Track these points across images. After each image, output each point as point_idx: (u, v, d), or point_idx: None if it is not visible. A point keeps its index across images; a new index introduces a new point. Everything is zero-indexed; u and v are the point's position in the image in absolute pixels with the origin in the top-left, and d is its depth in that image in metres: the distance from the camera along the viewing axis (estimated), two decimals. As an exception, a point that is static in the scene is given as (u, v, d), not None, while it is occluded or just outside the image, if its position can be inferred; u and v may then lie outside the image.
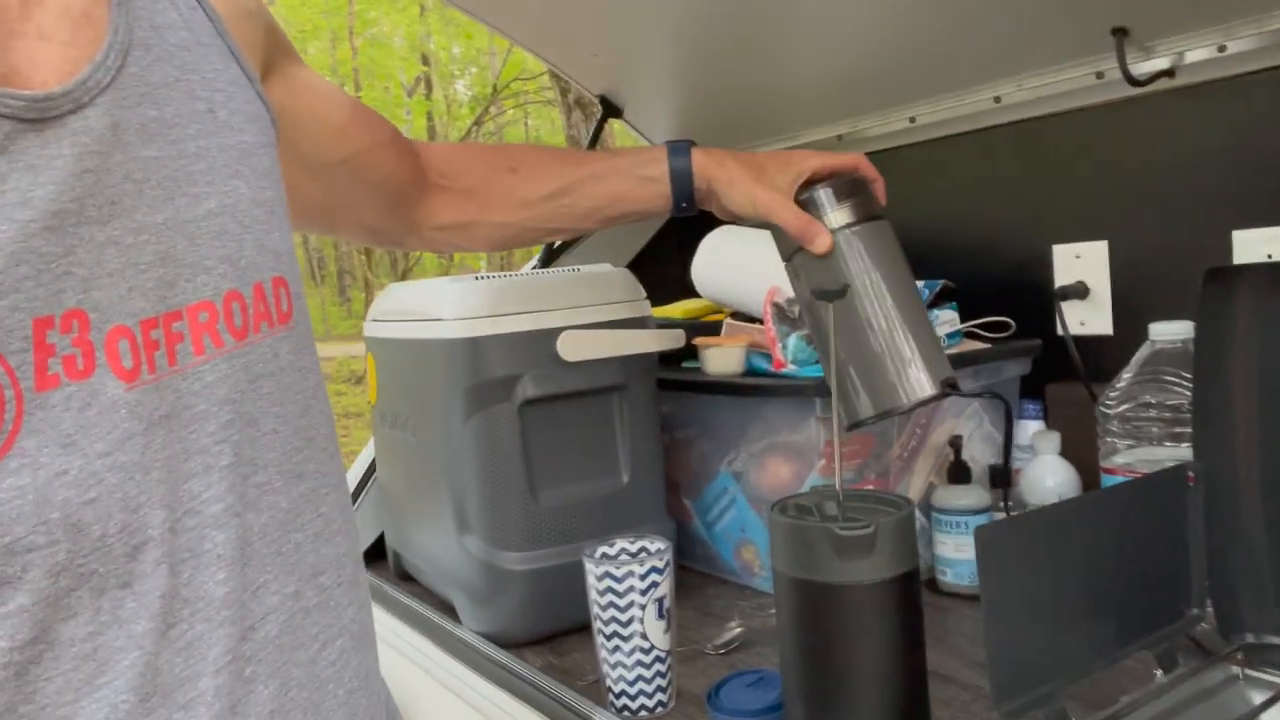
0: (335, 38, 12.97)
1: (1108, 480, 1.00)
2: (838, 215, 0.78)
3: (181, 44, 0.51)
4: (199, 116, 0.51)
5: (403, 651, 1.10)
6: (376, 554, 1.39)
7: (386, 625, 1.14)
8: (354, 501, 1.40)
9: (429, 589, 1.22)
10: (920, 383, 0.75)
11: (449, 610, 1.13)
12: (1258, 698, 0.69)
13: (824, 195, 0.78)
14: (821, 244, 0.76)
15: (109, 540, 0.44)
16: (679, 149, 0.84)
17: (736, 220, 0.86)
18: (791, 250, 0.81)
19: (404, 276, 8.85)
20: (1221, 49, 1.01)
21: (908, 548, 0.69)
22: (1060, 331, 1.18)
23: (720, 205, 0.85)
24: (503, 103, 9.07)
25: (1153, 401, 0.97)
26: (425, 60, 13.96)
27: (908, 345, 0.75)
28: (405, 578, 1.29)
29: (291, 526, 0.52)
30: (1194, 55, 1.04)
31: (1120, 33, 1.04)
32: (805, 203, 0.79)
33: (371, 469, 1.41)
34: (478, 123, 8.79)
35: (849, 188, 0.80)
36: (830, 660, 0.68)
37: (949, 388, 0.76)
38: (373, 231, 0.87)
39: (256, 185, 0.53)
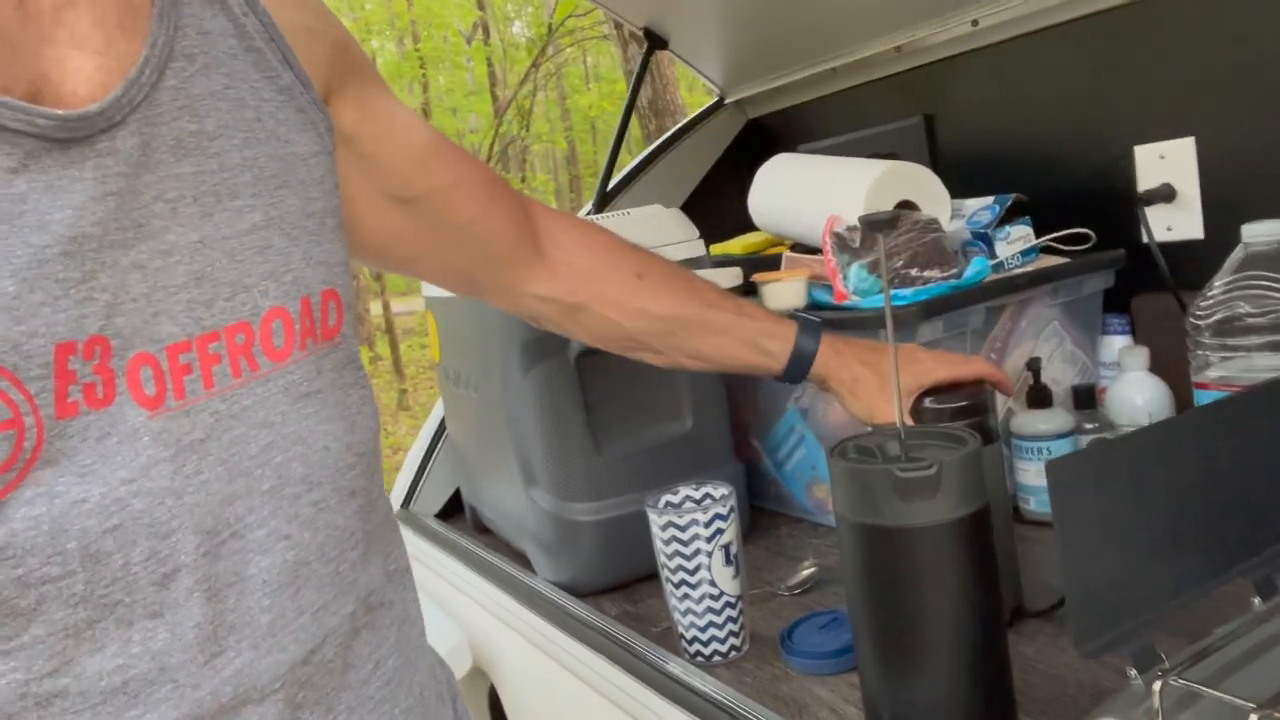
0: (391, -10, 12.92)
1: (1201, 396, 0.94)
2: None
3: (230, 51, 0.49)
4: (246, 125, 0.49)
5: (483, 604, 1.12)
6: (453, 508, 1.42)
7: (467, 579, 1.16)
8: (429, 457, 1.42)
9: (505, 540, 1.23)
10: None
11: (525, 562, 1.14)
12: (1369, 625, 0.64)
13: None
14: None
15: (133, 569, 0.42)
16: (809, 330, 0.82)
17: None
18: None
19: (474, 227, 8.88)
20: (1318, -89, 0.91)
21: (975, 485, 0.65)
22: (1145, 239, 1.11)
23: (839, 402, 0.85)
24: (559, 41, 8.92)
25: (1249, 309, 0.90)
26: (480, 4, 13.81)
27: None
28: (483, 530, 1.31)
29: (347, 545, 0.51)
30: (1286, -79, 0.94)
31: (1201, -96, 0.95)
32: (920, 414, 0.81)
33: (443, 426, 1.43)
34: (535, 64, 8.68)
35: (968, 411, 0.80)
36: (898, 606, 0.65)
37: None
38: (463, 279, 0.79)
39: (306, 196, 0.51)
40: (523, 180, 11.81)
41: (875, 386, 0.80)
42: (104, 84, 0.43)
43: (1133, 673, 0.60)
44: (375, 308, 10.05)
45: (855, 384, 0.81)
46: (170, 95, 0.46)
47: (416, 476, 1.42)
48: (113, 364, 0.42)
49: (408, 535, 1.35)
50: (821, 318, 1.06)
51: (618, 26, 5.48)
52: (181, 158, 0.45)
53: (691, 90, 8.36)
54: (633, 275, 0.79)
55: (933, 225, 1.08)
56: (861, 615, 0.68)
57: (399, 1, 12.92)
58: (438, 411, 1.45)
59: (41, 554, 0.40)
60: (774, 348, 0.81)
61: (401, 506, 1.42)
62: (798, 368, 0.82)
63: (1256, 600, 0.67)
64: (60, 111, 0.41)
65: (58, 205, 0.41)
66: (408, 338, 9.60)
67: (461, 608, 1.16)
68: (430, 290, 1.27)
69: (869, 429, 0.81)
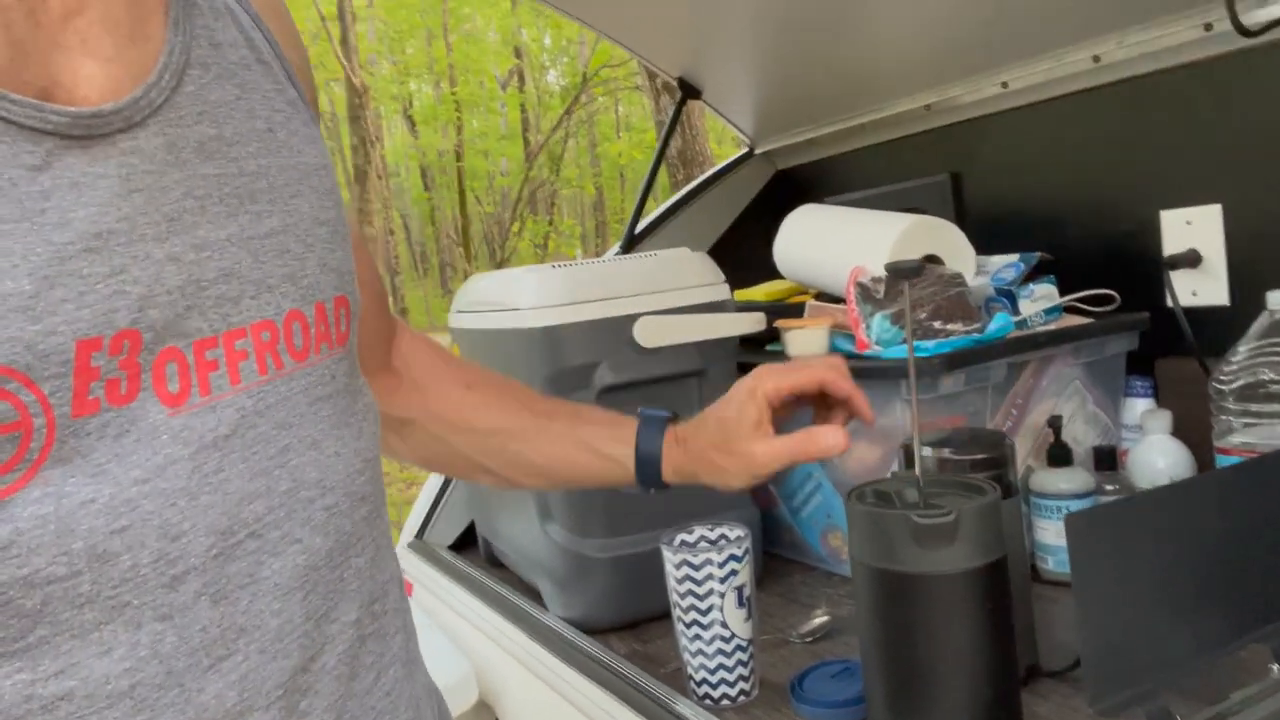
0: (431, 35, 13.25)
1: (1223, 461, 0.94)
2: None
3: (242, 62, 0.51)
4: (258, 135, 0.50)
5: (492, 637, 1.12)
6: (467, 540, 1.42)
7: (477, 611, 1.16)
8: (445, 489, 1.43)
9: (517, 575, 1.23)
10: None
11: (537, 596, 1.14)
12: (1391, 697, 0.63)
13: None
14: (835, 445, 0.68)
15: (142, 570, 0.42)
16: (651, 427, 0.74)
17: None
18: None
19: (500, 269, 9.00)
20: (1347, -11, 0.92)
21: (993, 535, 0.65)
22: (1170, 303, 1.11)
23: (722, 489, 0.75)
24: (592, 90, 9.10)
25: (1272, 376, 0.90)
26: (518, 53, 14.13)
27: None
28: (495, 564, 1.31)
29: (353, 551, 0.51)
30: (1315, -2, 0.95)
31: (1230, -21, 0.97)
32: (940, 465, 0.81)
33: (461, 457, 1.44)
34: (568, 111, 8.85)
35: (987, 464, 0.81)
36: (911, 653, 0.65)
37: None
38: None
39: (318, 205, 0.52)
40: (550, 223, 11.93)
41: (736, 459, 0.71)
42: (114, 90, 0.44)
43: (1149, 732, 0.59)
44: (397, 343, 10.15)
45: (722, 470, 0.72)
46: (189, 100, 0.46)
47: (432, 507, 1.42)
48: (140, 358, 0.42)
49: (421, 565, 1.36)
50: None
51: (651, 78, 5.59)
52: (205, 159, 0.46)
53: (721, 143, 8.48)
54: (460, 386, 0.75)
55: (957, 279, 1.09)
56: (874, 660, 0.68)
57: (439, 46, 13.24)
58: (457, 443, 1.46)
59: (47, 553, 0.40)
60: (615, 452, 0.74)
61: (416, 537, 1.42)
62: (647, 473, 0.74)
63: (1275, 667, 0.67)
64: (72, 108, 0.41)
65: (81, 202, 0.41)
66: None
67: (470, 640, 1.16)
68: (456, 321, 1.29)
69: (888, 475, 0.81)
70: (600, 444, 0.74)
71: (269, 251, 0.48)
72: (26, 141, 0.40)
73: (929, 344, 1.01)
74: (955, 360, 0.99)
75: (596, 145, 15.01)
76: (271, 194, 0.49)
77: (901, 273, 0.68)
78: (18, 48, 0.41)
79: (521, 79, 14.87)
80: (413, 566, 1.38)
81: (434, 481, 1.46)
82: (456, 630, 1.20)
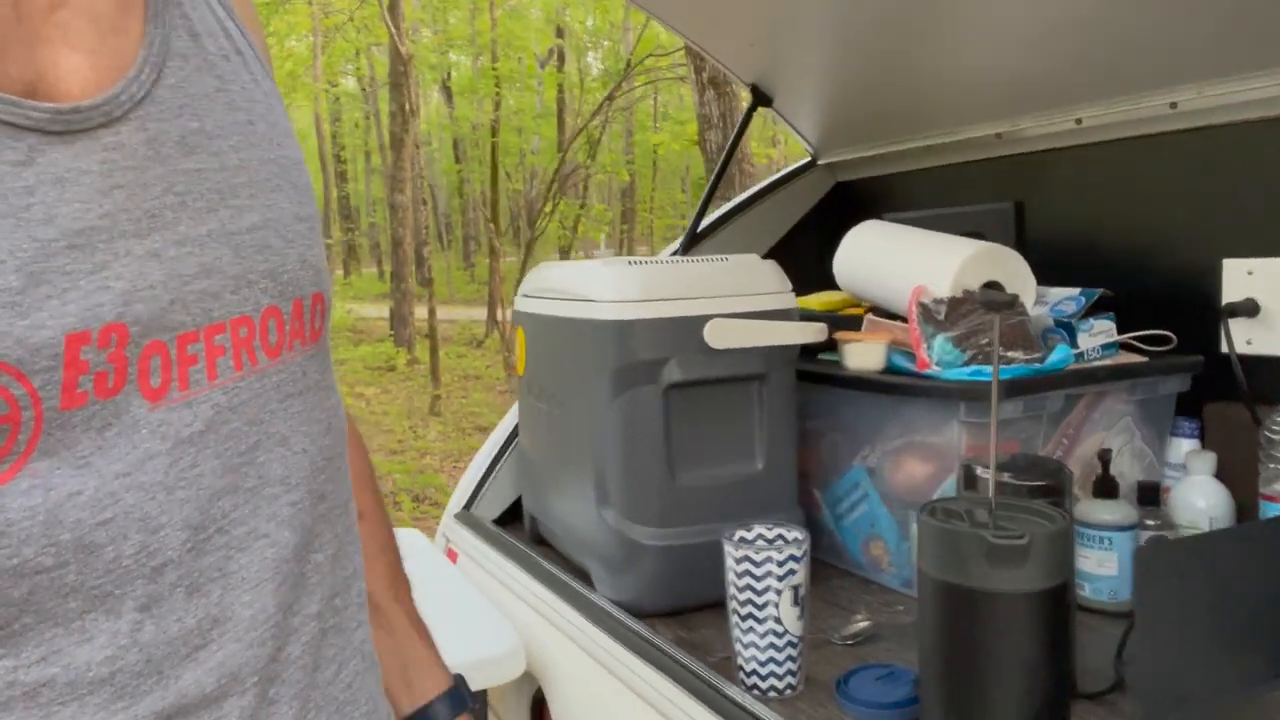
0: (475, 8, 13.24)
1: (1268, 508, 0.97)
2: None
3: (220, 52, 0.51)
4: (239, 128, 0.50)
5: (541, 611, 1.16)
6: (513, 515, 1.47)
7: (525, 585, 1.20)
8: (495, 464, 1.47)
9: (563, 554, 1.28)
10: None
11: (582, 576, 1.18)
12: None
13: None
14: None
15: (124, 562, 0.43)
16: (457, 701, 0.71)
17: None
18: None
19: (528, 248, 9.05)
20: None
21: (1061, 561, 0.69)
22: (1225, 349, 1.14)
23: None
24: (635, 77, 9.10)
25: (1324, 430, 0.93)
26: (559, 32, 14.10)
27: None
28: (540, 541, 1.35)
29: (313, 547, 0.52)
30: (1400, 67, 0.98)
31: (1317, 41, 0.99)
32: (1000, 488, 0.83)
33: (513, 435, 1.48)
34: (610, 97, 8.86)
35: (1047, 491, 0.85)
36: (973, 666, 0.69)
37: None
38: None
39: (298, 200, 0.52)
40: (581, 207, 11.95)
41: None
42: (98, 82, 0.44)
43: (1193, 758, 0.63)
44: (420, 312, 10.20)
45: None
46: (170, 94, 0.46)
47: (481, 481, 1.47)
48: (128, 351, 0.43)
49: (468, 537, 1.40)
50: (902, 384, 1.11)
51: (697, 71, 5.58)
52: (186, 154, 0.46)
53: (758, 142, 8.47)
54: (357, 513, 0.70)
55: (1020, 309, 1.12)
56: (934, 668, 0.71)
57: (481, 20, 13.22)
58: (508, 421, 1.51)
59: (36, 544, 0.40)
60: (418, 684, 0.70)
61: (464, 508, 1.47)
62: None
63: (1316, 708, 0.70)
64: (51, 104, 0.42)
65: (65, 198, 0.41)
66: (445, 345, 9.73)
67: (516, 612, 1.20)
68: (523, 306, 1.33)
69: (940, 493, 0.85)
70: (413, 669, 0.70)
71: (249, 247, 0.48)
72: (8, 137, 0.40)
73: (991, 369, 1.04)
74: (1016, 387, 1.03)
75: (633, 133, 15.02)
76: (252, 188, 0.49)
77: (995, 305, 0.71)
78: (1, 41, 0.42)
79: (561, 59, 14.86)
80: (459, 538, 1.43)
81: (483, 455, 1.50)
82: (502, 601, 1.24)
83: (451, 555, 1.44)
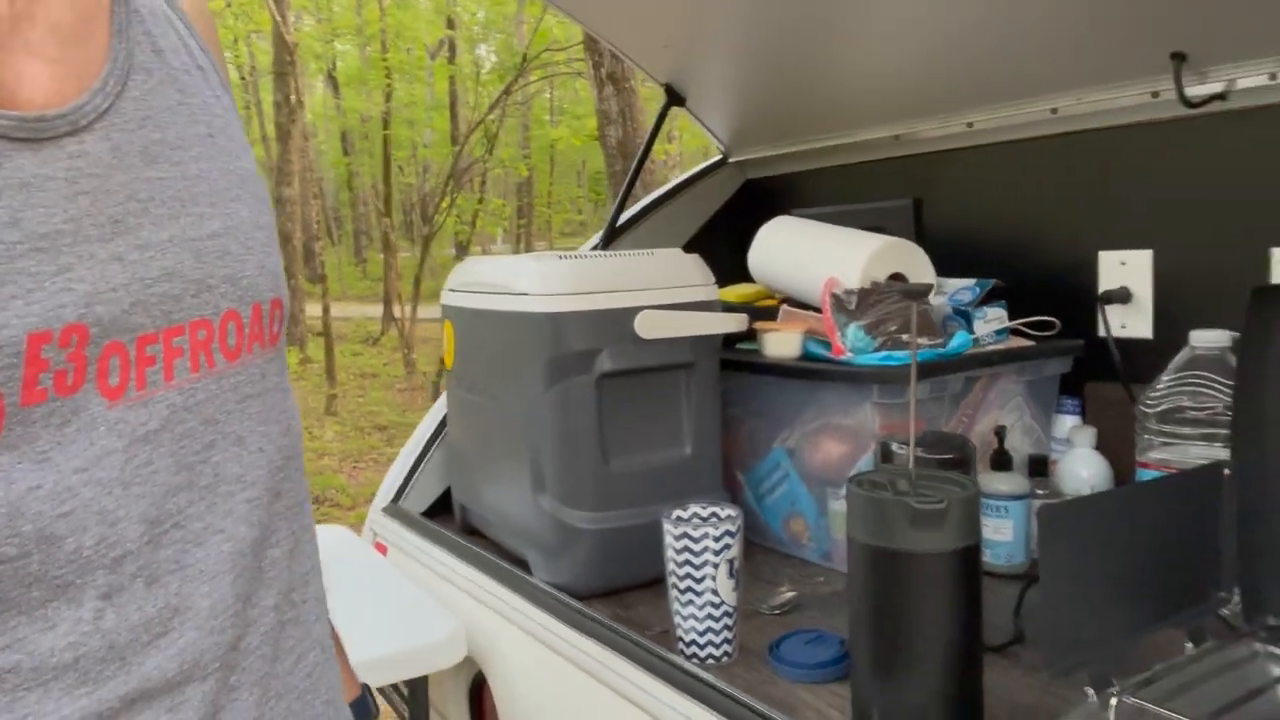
0: (363, -2, 12.93)
1: (1142, 474, 1.08)
2: None
3: (183, 67, 0.52)
4: (200, 140, 0.51)
5: (478, 598, 1.19)
6: (442, 507, 1.49)
7: (463, 574, 1.23)
8: (423, 457, 1.49)
9: (496, 542, 1.31)
10: None
11: (517, 563, 1.21)
12: (1276, 672, 0.77)
13: None
14: None
15: (85, 552, 0.44)
16: (362, 712, 0.73)
17: None
18: None
19: (425, 242, 8.91)
20: (1274, 77, 1.08)
21: (972, 523, 0.77)
22: (1102, 333, 1.26)
23: None
24: (531, 72, 9.06)
25: (1189, 404, 1.05)
26: (450, 24, 13.89)
27: None
28: (471, 531, 1.38)
29: (269, 542, 0.54)
30: (1246, 82, 1.10)
31: (1178, 57, 1.11)
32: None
33: (440, 428, 1.50)
34: (507, 91, 8.79)
35: (954, 464, 0.95)
36: (900, 621, 0.76)
37: None
38: None
39: (256, 209, 0.54)
40: (480, 202, 11.83)
41: None
42: (59, 91, 0.45)
43: (1090, 692, 0.72)
44: (312, 309, 9.92)
45: None
46: (133, 105, 0.48)
47: (409, 474, 1.48)
48: (87, 351, 0.44)
49: (398, 529, 1.42)
50: (820, 369, 1.18)
51: (595, 67, 5.62)
52: (149, 163, 0.48)
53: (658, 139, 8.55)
54: None
55: (924, 299, 1.21)
56: (863, 625, 0.78)
57: (369, 8, 12.92)
58: (435, 414, 1.52)
59: (0, 535, 0.42)
60: None
61: (391, 502, 1.48)
62: None
63: (1189, 645, 0.80)
64: (16, 112, 0.43)
65: (30, 203, 0.43)
66: (339, 343, 9.49)
67: (452, 599, 1.23)
68: (451, 300, 1.36)
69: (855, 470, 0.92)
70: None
71: (210, 253, 0.50)
72: None
73: (901, 354, 1.13)
74: (923, 371, 1.11)
75: (529, 128, 14.92)
76: (213, 197, 0.51)
77: (913, 293, 0.78)
78: None
79: (453, 50, 14.65)
80: (388, 531, 1.44)
81: (410, 449, 1.52)
82: (436, 590, 1.26)
83: (381, 549, 1.45)
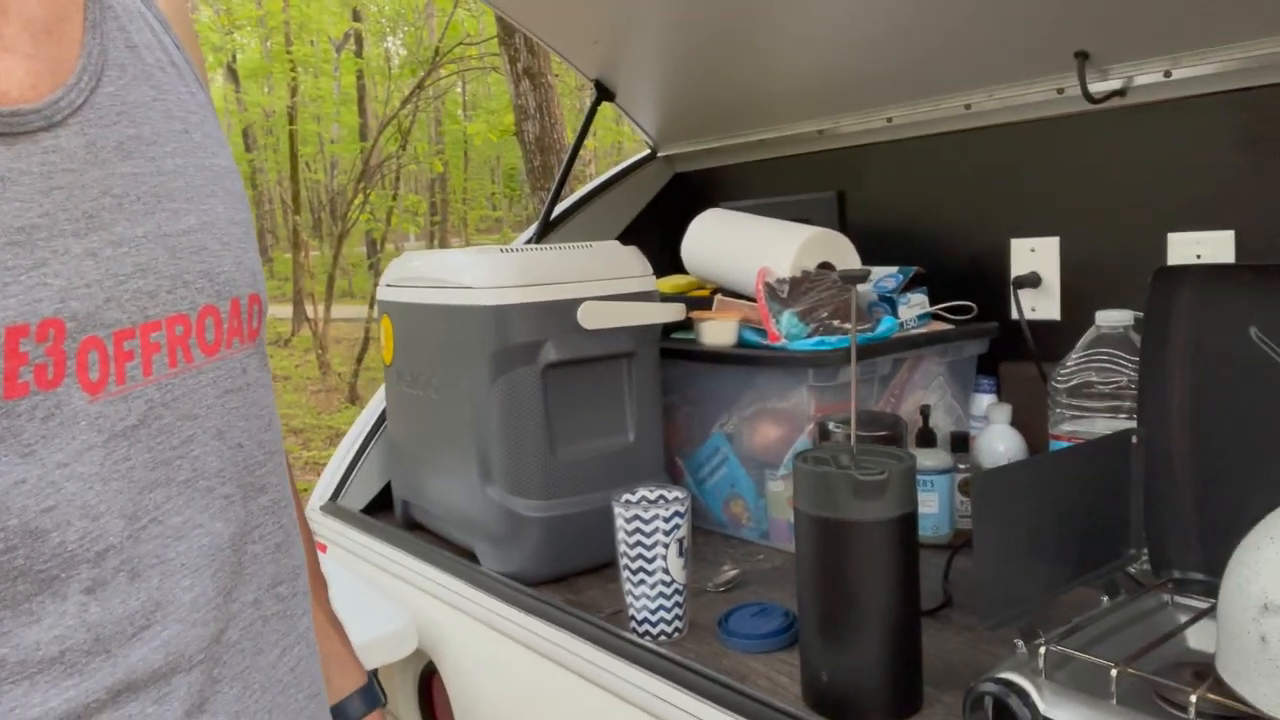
0: (266, -12, 12.54)
1: (1055, 445, 1.16)
2: None
3: (157, 63, 0.52)
4: (175, 136, 0.52)
5: (425, 589, 1.20)
6: (381, 504, 1.48)
7: (409, 566, 1.24)
8: (362, 454, 1.48)
9: (440, 535, 1.32)
10: None
11: (464, 555, 1.23)
12: (1182, 619, 0.85)
13: None
14: None
15: (69, 547, 0.45)
16: (369, 696, 0.75)
17: None
18: None
19: (339, 240, 8.72)
20: (1168, 74, 1.17)
21: (909, 493, 0.82)
22: (1015, 316, 1.34)
23: None
24: (442, 67, 8.95)
25: (1097, 379, 1.13)
26: (356, 16, 13.60)
27: None
28: (412, 525, 1.38)
29: (251, 538, 0.54)
30: (1143, 79, 1.19)
31: (1082, 56, 1.19)
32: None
33: (379, 423, 1.49)
34: (420, 85, 8.66)
35: (888, 440, 0.99)
36: (846, 586, 0.81)
37: None
38: None
39: (233, 206, 0.54)
40: (394, 198, 11.61)
41: None
42: (34, 85, 0.45)
43: (1019, 643, 0.78)
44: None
45: None
46: (108, 101, 0.48)
47: (347, 472, 1.48)
48: (65, 346, 0.44)
49: (338, 527, 1.41)
50: (757, 356, 1.23)
51: (511, 62, 5.60)
52: (124, 158, 0.48)
53: (573, 132, 8.56)
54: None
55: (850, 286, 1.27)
56: (810, 592, 0.83)
57: (274, 1, 12.55)
58: (371, 410, 1.52)
59: None
60: (336, 680, 0.73)
61: (330, 499, 1.47)
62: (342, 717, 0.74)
63: (1104, 599, 0.87)
64: None
65: (5, 197, 0.43)
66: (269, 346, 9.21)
67: (398, 592, 1.24)
68: (387, 295, 1.36)
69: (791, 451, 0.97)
70: (331, 663, 0.73)
71: (186, 249, 0.50)
72: None
73: (833, 339, 1.18)
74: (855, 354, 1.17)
75: (442, 122, 14.73)
76: (189, 193, 0.51)
77: (851, 278, 0.83)
78: None
79: (360, 43, 14.34)
80: (327, 529, 1.43)
81: (346, 446, 1.51)
82: (380, 584, 1.27)
83: (321, 547, 1.44)
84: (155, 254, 0.48)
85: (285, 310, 11.69)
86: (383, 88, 12.46)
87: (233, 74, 14.78)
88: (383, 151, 9.31)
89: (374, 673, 0.77)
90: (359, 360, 7.75)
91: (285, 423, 7.18)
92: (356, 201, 8.62)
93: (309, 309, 9.20)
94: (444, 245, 15.82)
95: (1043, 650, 0.74)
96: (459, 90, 15.30)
